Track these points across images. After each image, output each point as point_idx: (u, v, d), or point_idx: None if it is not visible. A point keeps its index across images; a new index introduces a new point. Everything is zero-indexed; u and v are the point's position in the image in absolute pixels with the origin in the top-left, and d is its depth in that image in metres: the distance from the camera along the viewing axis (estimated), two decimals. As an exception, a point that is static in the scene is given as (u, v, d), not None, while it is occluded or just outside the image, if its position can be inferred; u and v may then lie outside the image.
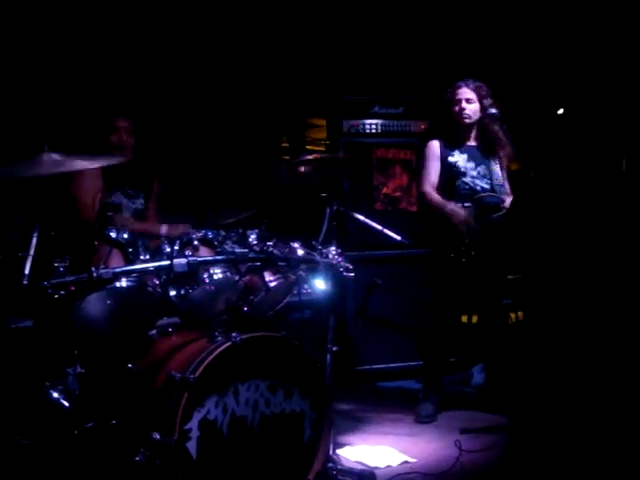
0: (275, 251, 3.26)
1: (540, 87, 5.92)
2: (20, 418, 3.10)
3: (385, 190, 5.30)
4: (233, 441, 2.89)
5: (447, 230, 4.20)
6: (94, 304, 2.97)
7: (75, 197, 3.81)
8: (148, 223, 4.02)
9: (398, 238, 3.93)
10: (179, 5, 5.11)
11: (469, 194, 4.29)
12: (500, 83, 4.62)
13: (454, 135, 4.41)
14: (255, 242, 3.32)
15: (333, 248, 3.51)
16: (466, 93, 4.33)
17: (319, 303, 3.69)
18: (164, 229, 3.87)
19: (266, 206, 3.71)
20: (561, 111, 6.17)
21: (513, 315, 4.86)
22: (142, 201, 4.08)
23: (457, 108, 4.34)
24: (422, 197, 4.41)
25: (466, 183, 4.32)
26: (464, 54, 5.65)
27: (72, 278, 2.79)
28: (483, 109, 4.30)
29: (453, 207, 4.19)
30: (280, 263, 3.36)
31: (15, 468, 2.96)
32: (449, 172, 4.34)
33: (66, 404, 2.83)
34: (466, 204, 4.26)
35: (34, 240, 2.86)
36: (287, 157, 6.23)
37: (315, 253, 3.46)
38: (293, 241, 3.48)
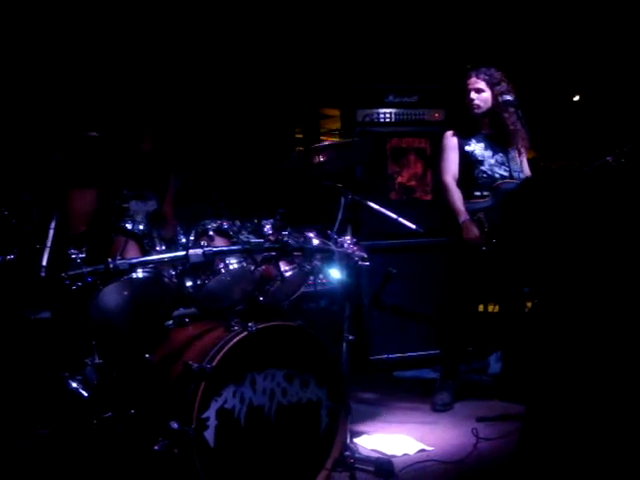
0: (290, 241, 3.26)
1: (556, 74, 5.89)
2: (39, 408, 3.13)
3: (400, 179, 5.29)
4: (250, 430, 2.91)
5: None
6: (111, 295, 2.99)
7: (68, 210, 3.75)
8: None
9: (413, 227, 3.92)
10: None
11: (488, 182, 4.28)
12: (516, 69, 4.59)
13: (469, 124, 4.40)
14: (270, 232, 3.33)
15: (348, 237, 3.51)
16: (476, 83, 4.32)
17: (334, 292, 3.70)
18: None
19: (281, 196, 3.71)
20: (577, 98, 6.13)
21: (530, 304, 4.84)
22: (154, 202, 4.02)
23: (467, 99, 4.33)
24: (443, 188, 4.39)
25: (484, 172, 4.31)
26: (478, 41, 5.62)
27: (89, 269, 2.81)
28: (496, 97, 4.28)
29: (466, 221, 4.19)
30: (295, 253, 3.35)
31: (34, 457, 2.99)
32: (467, 161, 4.34)
33: (85, 394, 2.85)
34: (485, 192, 4.25)
35: (51, 232, 2.88)
36: (301, 148, 6.23)
37: (330, 242, 3.46)
38: (308, 231, 3.48)
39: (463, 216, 4.21)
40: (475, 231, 4.15)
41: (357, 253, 3.46)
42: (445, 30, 5.70)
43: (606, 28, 5.60)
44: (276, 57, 5.61)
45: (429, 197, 5.31)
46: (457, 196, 4.28)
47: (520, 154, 4.36)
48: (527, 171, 4.42)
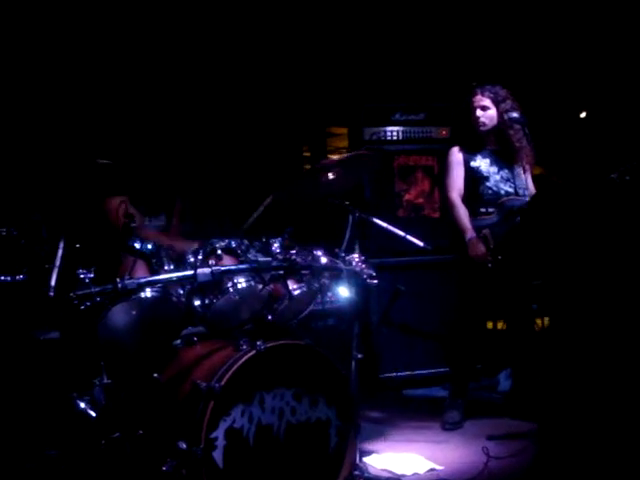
0: (298, 259, 3.26)
1: (563, 90, 5.89)
2: (48, 429, 3.13)
3: (407, 197, 5.29)
4: (259, 450, 2.89)
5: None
6: (119, 315, 2.99)
7: (105, 209, 3.80)
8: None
9: (421, 244, 3.92)
10: (202, 14, 5.15)
11: (493, 199, 4.28)
12: (522, 86, 4.60)
13: (475, 141, 4.40)
14: (278, 250, 3.32)
15: (356, 255, 3.51)
16: (481, 100, 4.33)
17: (343, 311, 3.69)
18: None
19: (289, 214, 3.71)
20: (584, 114, 6.13)
21: (539, 321, 4.83)
22: (164, 218, 4.06)
23: (472, 117, 4.34)
24: (447, 203, 4.39)
25: (489, 187, 4.31)
26: (485, 58, 5.64)
27: (97, 289, 2.81)
28: (501, 114, 4.29)
29: (472, 238, 4.18)
30: (303, 271, 3.35)
31: (43, 479, 2.98)
32: (472, 177, 4.34)
33: (93, 414, 2.85)
34: (490, 209, 4.25)
35: (60, 252, 2.89)
36: (308, 166, 6.24)
37: (338, 260, 3.46)
38: (316, 249, 3.47)
39: (469, 233, 4.20)
40: (481, 248, 4.14)
41: (365, 271, 3.46)
42: (451, 48, 5.72)
43: (612, 45, 5.61)
44: (284, 76, 5.63)
45: (437, 214, 5.31)
46: (463, 213, 4.28)
47: (525, 171, 4.37)
48: (532, 188, 4.42)
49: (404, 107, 5.31)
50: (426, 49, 5.74)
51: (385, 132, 5.27)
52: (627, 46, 5.54)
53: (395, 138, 5.29)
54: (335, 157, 3.79)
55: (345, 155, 3.98)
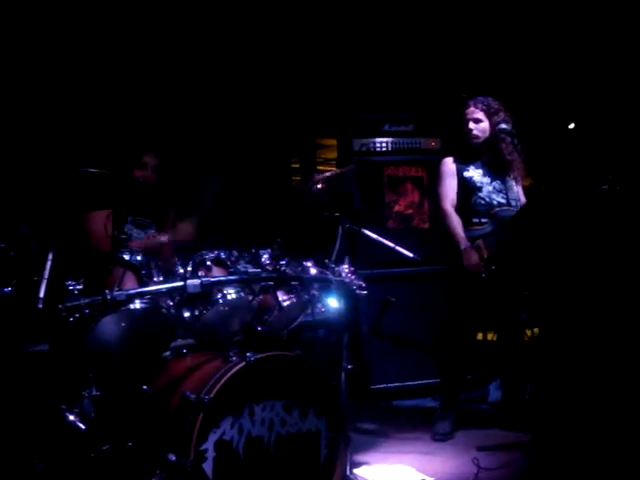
0: (288, 270, 3.27)
1: (551, 102, 5.93)
2: (37, 441, 3.10)
3: (397, 208, 5.30)
4: (249, 461, 2.88)
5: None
6: (108, 326, 2.98)
7: (87, 232, 3.81)
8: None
9: (410, 255, 3.93)
10: (188, 29, 5.16)
11: (486, 209, 4.29)
12: (511, 98, 4.62)
13: (468, 152, 4.41)
14: (268, 262, 3.32)
15: (346, 266, 3.51)
16: (474, 113, 4.34)
17: (333, 322, 3.68)
18: (164, 237, 3.82)
19: (278, 225, 3.72)
20: (572, 125, 6.17)
21: (529, 331, 4.83)
22: (154, 230, 4.07)
23: (465, 129, 4.35)
24: (441, 213, 4.38)
25: (482, 198, 4.32)
26: (474, 69, 5.67)
27: (86, 301, 2.80)
28: (493, 126, 4.31)
29: (467, 248, 4.18)
30: (293, 282, 3.35)
31: (32, 492, 2.96)
32: (465, 188, 4.34)
33: (82, 427, 2.84)
34: (483, 220, 4.26)
35: (48, 264, 2.88)
36: (298, 178, 6.25)
37: (328, 272, 3.46)
38: (306, 260, 3.48)
39: (464, 243, 4.20)
40: (475, 258, 4.15)
41: (355, 282, 3.47)
42: (441, 59, 5.75)
43: (601, 57, 5.65)
44: (273, 88, 5.65)
45: (426, 225, 5.31)
46: (457, 223, 4.28)
47: (517, 183, 4.39)
48: (523, 199, 4.44)
49: (393, 118, 5.33)
50: (415, 60, 5.77)
51: (374, 143, 5.29)
52: (615, 56, 5.58)
53: (384, 149, 5.30)
54: (324, 175, 3.78)
55: (334, 172, 4.01)
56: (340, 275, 3.45)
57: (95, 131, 4.71)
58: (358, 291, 3.46)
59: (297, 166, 6.33)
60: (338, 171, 4.09)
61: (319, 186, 3.60)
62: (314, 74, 5.69)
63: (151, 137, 4.45)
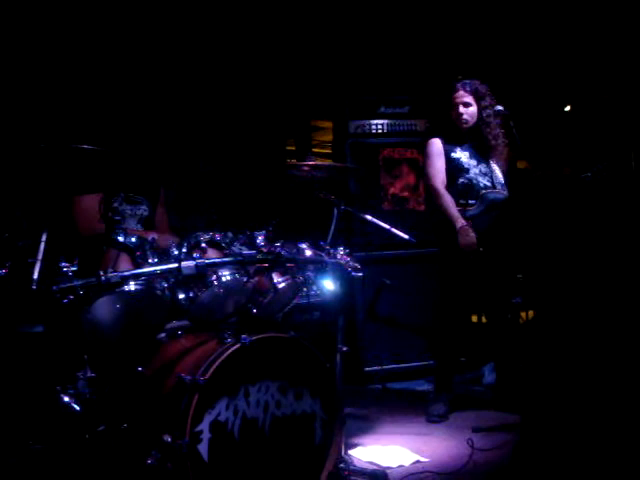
0: (283, 252, 3.25)
1: (547, 84, 5.92)
2: (32, 423, 3.11)
3: (392, 190, 5.30)
4: (244, 443, 2.88)
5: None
6: (103, 308, 2.97)
7: (77, 214, 3.78)
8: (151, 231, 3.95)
9: (406, 237, 3.92)
10: (184, 13, 5.13)
11: (472, 191, 4.29)
12: (506, 80, 4.61)
13: (455, 134, 4.40)
14: (263, 243, 3.31)
15: (341, 248, 3.50)
16: (463, 97, 4.33)
17: (328, 304, 3.68)
18: (151, 236, 3.80)
19: (273, 207, 3.71)
20: (568, 108, 6.16)
21: (523, 314, 4.85)
22: (146, 207, 4.03)
23: (455, 113, 4.34)
24: (433, 193, 4.36)
25: (469, 179, 4.32)
26: (469, 51, 5.64)
27: (80, 282, 2.79)
28: (480, 111, 4.31)
29: (464, 226, 4.17)
30: (288, 264, 3.34)
31: (27, 473, 2.96)
32: (452, 168, 4.34)
33: (77, 408, 2.83)
34: (470, 201, 4.26)
35: (42, 245, 2.87)
36: (293, 160, 6.23)
37: (323, 254, 3.45)
38: (301, 242, 3.47)
39: (460, 221, 4.19)
40: (472, 236, 4.13)
41: (350, 264, 3.45)
42: (436, 41, 5.73)
43: (597, 40, 5.63)
44: (268, 70, 5.62)
45: (422, 207, 5.31)
46: (450, 201, 4.26)
47: (499, 167, 4.38)
48: (504, 184, 4.41)
49: (389, 100, 5.31)
50: (411, 42, 5.74)
51: (370, 125, 5.27)
52: (611, 42, 5.57)
53: (380, 131, 5.28)
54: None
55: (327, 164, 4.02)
56: (335, 257, 3.44)
57: (88, 110, 4.68)
58: (354, 273, 3.45)
59: (292, 148, 6.31)
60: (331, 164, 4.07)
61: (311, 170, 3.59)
62: (309, 56, 5.67)
63: (145, 118, 4.41)
